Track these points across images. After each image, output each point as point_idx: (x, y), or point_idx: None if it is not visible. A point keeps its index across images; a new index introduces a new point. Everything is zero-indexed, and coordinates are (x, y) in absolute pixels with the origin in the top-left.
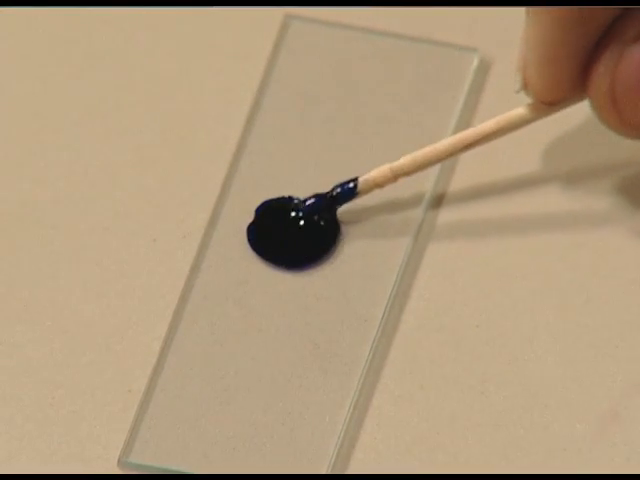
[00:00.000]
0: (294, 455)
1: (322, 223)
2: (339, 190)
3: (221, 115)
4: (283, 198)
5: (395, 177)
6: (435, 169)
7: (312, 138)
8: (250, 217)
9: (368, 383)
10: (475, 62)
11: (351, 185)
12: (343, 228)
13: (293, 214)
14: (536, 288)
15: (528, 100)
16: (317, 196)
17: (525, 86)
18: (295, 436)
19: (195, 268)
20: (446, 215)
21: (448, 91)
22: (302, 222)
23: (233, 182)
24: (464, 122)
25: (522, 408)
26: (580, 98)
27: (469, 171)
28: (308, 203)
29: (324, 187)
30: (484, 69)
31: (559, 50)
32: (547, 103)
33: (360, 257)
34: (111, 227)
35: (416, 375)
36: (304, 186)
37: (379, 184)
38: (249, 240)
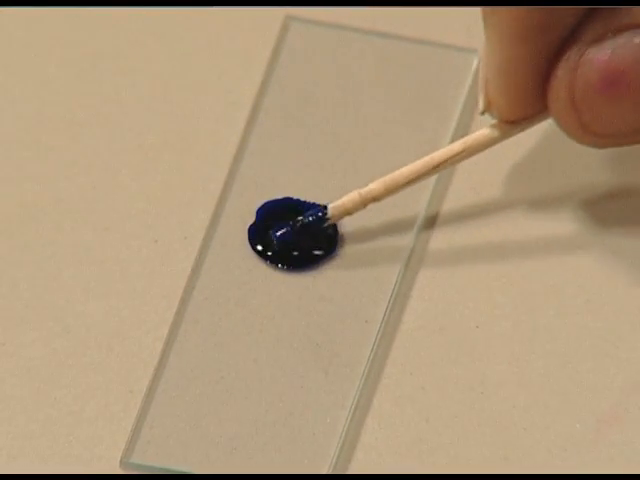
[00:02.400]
0: (295, 455)
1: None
2: (309, 218)
3: (222, 116)
4: (284, 199)
5: (364, 203)
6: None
7: (312, 139)
8: (251, 218)
9: (369, 384)
10: (475, 63)
11: (320, 213)
12: (343, 229)
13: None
14: (535, 289)
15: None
16: (287, 225)
17: (488, 106)
18: (296, 436)
19: (196, 269)
20: (446, 213)
21: (448, 92)
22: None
23: (234, 183)
24: (464, 123)
25: (522, 408)
26: (546, 115)
27: (472, 167)
28: (278, 233)
29: (324, 188)
30: None
31: (518, 63)
32: (512, 122)
33: (361, 258)
34: (112, 228)
35: (417, 376)
36: (304, 187)
37: (348, 210)
38: (250, 241)
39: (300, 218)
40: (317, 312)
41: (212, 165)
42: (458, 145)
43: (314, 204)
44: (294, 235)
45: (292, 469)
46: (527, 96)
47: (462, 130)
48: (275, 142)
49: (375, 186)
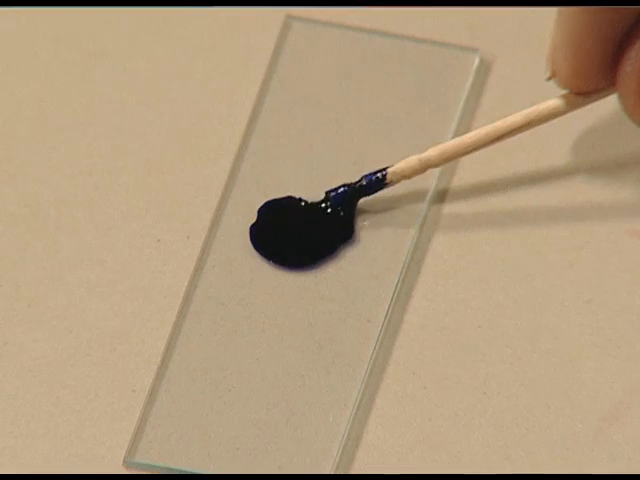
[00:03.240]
0: (298, 455)
1: (328, 222)
2: (367, 180)
3: (223, 115)
4: (286, 198)
5: (423, 168)
6: (435, 170)
7: (314, 138)
8: (253, 217)
9: (371, 383)
10: (476, 62)
11: (379, 175)
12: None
13: (322, 205)
14: (538, 288)
15: (557, 92)
16: (344, 185)
17: (553, 74)
18: (299, 436)
19: (199, 268)
20: (448, 214)
21: (449, 91)
22: (308, 219)
23: (236, 182)
24: (465, 122)
25: (524, 408)
26: (610, 90)
27: (471, 168)
28: (334, 194)
29: (326, 187)
30: (485, 69)
31: (587, 35)
32: (575, 92)
33: (363, 258)
34: (115, 227)
35: (419, 375)
36: (306, 186)
37: (407, 175)
38: (252, 240)
39: (358, 180)
40: (319, 311)
41: (214, 164)
42: (521, 117)
43: (316, 203)
44: (348, 197)
45: (295, 468)
46: (591, 68)
47: (464, 129)
48: (277, 141)
49: (433, 152)
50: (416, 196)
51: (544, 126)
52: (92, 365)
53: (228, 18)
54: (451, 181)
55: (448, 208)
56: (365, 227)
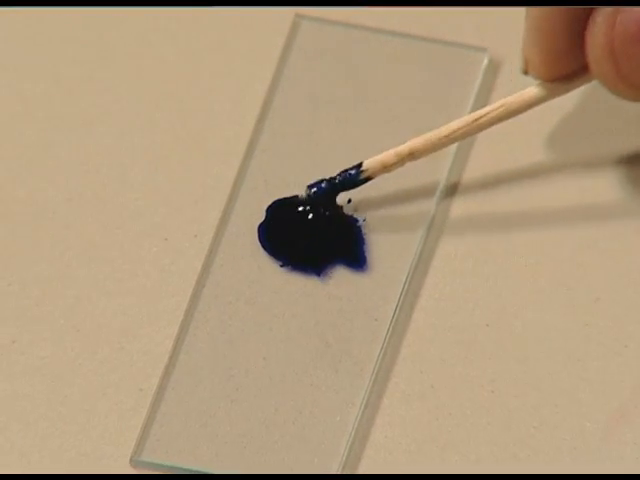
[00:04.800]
0: (305, 453)
1: (340, 227)
2: (343, 175)
3: (232, 114)
4: (294, 197)
5: (401, 160)
6: (444, 169)
7: (322, 137)
8: (261, 216)
9: (379, 382)
10: (485, 62)
11: (355, 170)
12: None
13: (300, 208)
14: (546, 287)
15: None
16: (321, 181)
17: (527, 64)
18: (306, 435)
19: (206, 267)
20: (456, 213)
21: (458, 91)
22: (311, 217)
23: (244, 181)
24: None
25: (532, 407)
26: (586, 77)
27: (479, 165)
28: (313, 189)
29: None
30: (494, 69)
31: (550, 19)
32: (551, 80)
33: (370, 256)
34: (123, 226)
35: (427, 374)
36: None
37: (386, 167)
38: (260, 239)
39: (336, 175)
40: (327, 310)
41: (222, 163)
42: (497, 103)
43: (301, 200)
44: (327, 192)
45: (302, 467)
46: (564, 52)
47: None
48: (285, 140)
49: (411, 143)
50: (425, 195)
51: (554, 124)
52: (100, 364)
53: (237, 17)
54: (460, 179)
55: (456, 207)
56: (373, 226)
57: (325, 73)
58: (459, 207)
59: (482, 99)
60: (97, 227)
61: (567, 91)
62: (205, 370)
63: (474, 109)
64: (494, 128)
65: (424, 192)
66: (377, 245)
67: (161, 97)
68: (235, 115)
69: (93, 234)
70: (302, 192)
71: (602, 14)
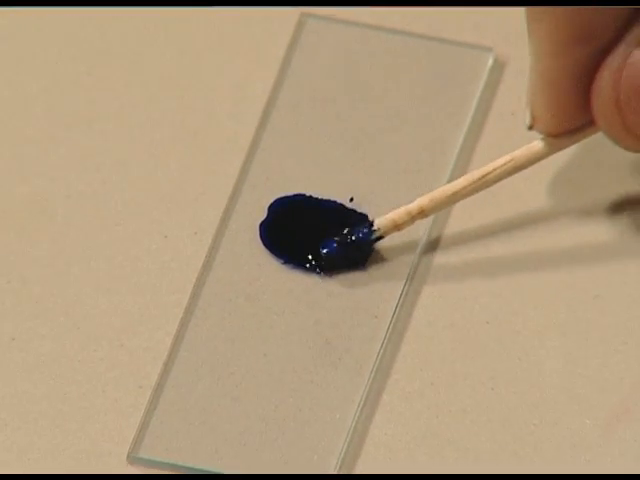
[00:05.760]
0: (304, 450)
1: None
2: (359, 234)
3: (235, 112)
4: (296, 195)
5: (412, 218)
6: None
7: (325, 136)
8: (262, 214)
9: (378, 379)
10: (490, 61)
11: (367, 229)
12: None
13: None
14: (545, 284)
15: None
16: (333, 240)
17: (534, 120)
18: (305, 432)
19: (207, 265)
20: (459, 212)
21: (462, 90)
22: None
23: (246, 179)
24: (478, 121)
25: (532, 404)
26: (592, 130)
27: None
28: (325, 250)
29: (336, 184)
30: (499, 68)
31: (560, 75)
32: (557, 135)
33: (371, 254)
34: (123, 223)
35: (426, 371)
36: (317, 184)
37: (397, 225)
38: (261, 237)
39: (346, 232)
40: (327, 308)
41: (224, 161)
42: (504, 158)
43: (327, 200)
44: (339, 253)
45: (301, 464)
46: (571, 108)
47: (476, 128)
48: (288, 138)
49: (420, 201)
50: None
51: (545, 165)
52: (99, 361)
53: (243, 16)
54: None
55: (460, 204)
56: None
57: (329, 71)
58: (462, 204)
59: (487, 99)
60: (97, 224)
61: (573, 143)
62: (205, 367)
63: (478, 109)
64: None
65: (428, 187)
66: (378, 243)
67: (165, 95)
68: (238, 113)
69: (93, 231)
70: (304, 190)
71: (609, 68)
